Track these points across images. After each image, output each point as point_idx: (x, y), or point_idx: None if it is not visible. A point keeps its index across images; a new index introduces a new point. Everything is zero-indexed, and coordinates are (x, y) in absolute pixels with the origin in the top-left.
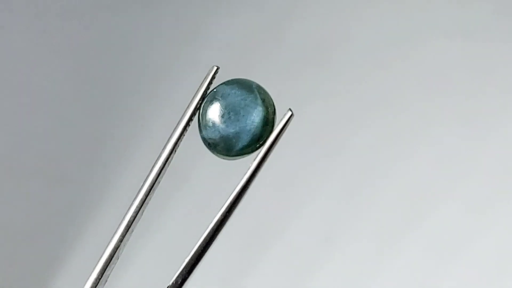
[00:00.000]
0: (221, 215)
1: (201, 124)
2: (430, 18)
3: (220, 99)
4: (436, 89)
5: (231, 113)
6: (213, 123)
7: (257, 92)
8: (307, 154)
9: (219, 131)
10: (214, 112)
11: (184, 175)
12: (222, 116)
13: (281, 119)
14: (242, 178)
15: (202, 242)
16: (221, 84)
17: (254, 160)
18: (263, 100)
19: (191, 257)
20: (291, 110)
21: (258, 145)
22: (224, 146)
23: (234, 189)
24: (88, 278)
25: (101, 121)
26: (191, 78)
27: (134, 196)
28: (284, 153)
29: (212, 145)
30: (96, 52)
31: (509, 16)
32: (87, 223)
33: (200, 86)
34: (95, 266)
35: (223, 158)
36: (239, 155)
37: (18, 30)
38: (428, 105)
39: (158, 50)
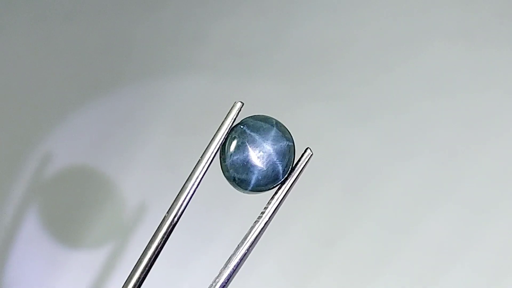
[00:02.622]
0: (243, 254)
1: (225, 159)
2: (432, 21)
3: (246, 135)
4: (437, 91)
5: (258, 150)
6: (239, 159)
7: (279, 130)
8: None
9: (243, 166)
10: (239, 148)
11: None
12: (248, 153)
13: (301, 158)
14: (263, 218)
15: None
16: (246, 119)
17: (273, 198)
18: (287, 138)
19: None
20: (310, 150)
21: (279, 182)
22: (247, 181)
23: (256, 227)
24: None
25: (102, 122)
26: (191, 79)
27: (153, 235)
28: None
29: (235, 179)
30: (97, 55)
31: (511, 19)
32: (87, 223)
33: (224, 121)
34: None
35: (244, 192)
36: (260, 191)
37: (19, 33)
38: (429, 107)
39: (159, 52)
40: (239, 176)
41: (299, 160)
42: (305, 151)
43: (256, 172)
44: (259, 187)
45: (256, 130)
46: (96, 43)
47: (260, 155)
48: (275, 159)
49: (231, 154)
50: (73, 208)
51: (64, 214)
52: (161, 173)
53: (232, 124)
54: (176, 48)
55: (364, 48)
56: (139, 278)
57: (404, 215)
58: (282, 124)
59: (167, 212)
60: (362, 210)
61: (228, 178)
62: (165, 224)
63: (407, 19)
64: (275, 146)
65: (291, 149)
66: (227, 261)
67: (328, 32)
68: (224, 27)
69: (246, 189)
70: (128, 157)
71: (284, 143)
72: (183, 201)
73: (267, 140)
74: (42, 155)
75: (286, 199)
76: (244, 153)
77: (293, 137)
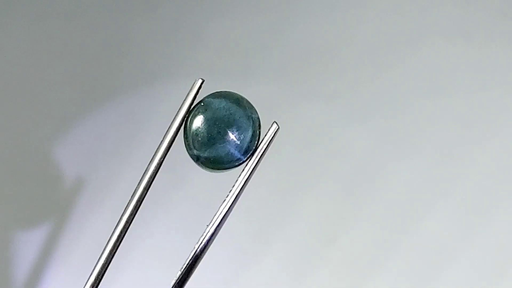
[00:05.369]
0: (214, 229)
1: (188, 138)
2: (431, 20)
3: (209, 113)
4: (437, 90)
5: (221, 128)
6: (202, 138)
7: (244, 106)
8: (308, 155)
9: (208, 146)
10: (202, 127)
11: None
12: (211, 131)
13: (267, 133)
14: (231, 195)
15: (195, 252)
16: (208, 97)
17: (241, 174)
18: (251, 114)
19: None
20: (277, 124)
21: (245, 159)
22: (213, 161)
23: (222, 207)
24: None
25: (100, 122)
26: (191, 80)
27: (122, 212)
28: (285, 154)
29: (200, 159)
30: (96, 54)
31: (510, 18)
32: (87, 224)
33: (185, 99)
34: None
35: (211, 171)
36: (227, 169)
37: (19, 32)
38: (428, 107)
39: (157, 52)
40: (201, 154)
41: (265, 135)
42: (271, 125)
43: (219, 150)
44: (223, 165)
45: (220, 107)
46: (94, 43)
47: (225, 133)
48: (240, 136)
49: (195, 134)
50: (71, 208)
51: (63, 215)
52: (160, 173)
53: (193, 102)
54: (175, 48)
55: (363, 47)
56: (104, 263)
57: (403, 214)
58: (246, 99)
59: (131, 197)
60: (362, 209)
61: (192, 157)
62: (128, 209)
63: (406, 19)
64: (240, 122)
65: (254, 124)
66: (196, 243)
67: (327, 31)
68: (222, 27)
69: (213, 169)
70: (127, 157)
71: (249, 119)
72: (147, 184)
73: (229, 117)
74: (38, 155)
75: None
76: (208, 132)
77: (257, 111)
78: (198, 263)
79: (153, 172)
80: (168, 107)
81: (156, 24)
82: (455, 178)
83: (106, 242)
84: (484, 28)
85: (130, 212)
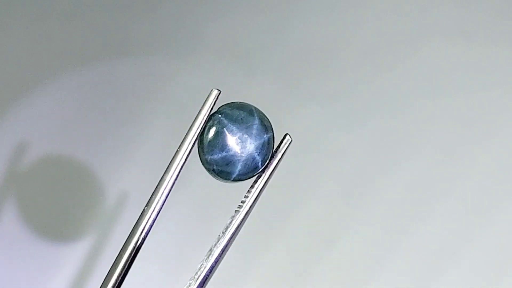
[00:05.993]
0: (227, 239)
1: (203, 149)
2: (430, 21)
3: (225, 124)
4: (436, 91)
5: (236, 139)
6: (217, 149)
7: (259, 117)
8: (307, 155)
9: (223, 157)
10: (218, 137)
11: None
12: (227, 142)
13: (280, 145)
14: (244, 206)
15: (209, 266)
16: (223, 107)
17: (254, 185)
18: (266, 126)
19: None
20: (289, 136)
21: (260, 170)
22: (228, 172)
23: (237, 216)
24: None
25: (101, 123)
26: (191, 80)
27: (132, 229)
28: (285, 154)
29: (214, 170)
30: (95, 54)
31: (510, 18)
32: (87, 224)
33: (201, 110)
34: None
35: (224, 182)
36: (241, 180)
37: (18, 32)
38: (428, 107)
39: (157, 52)
40: (218, 167)
41: (278, 147)
42: (284, 137)
43: (235, 162)
44: (239, 177)
45: (234, 119)
46: (94, 43)
47: (239, 144)
48: (254, 149)
49: (210, 144)
50: (72, 209)
51: (63, 216)
52: (160, 173)
53: (210, 112)
54: (174, 48)
55: (362, 48)
56: (120, 273)
57: (403, 215)
58: (259, 111)
59: (146, 206)
60: (362, 210)
61: (207, 169)
62: (144, 217)
63: (406, 19)
64: (254, 135)
65: (270, 138)
66: (208, 252)
67: (326, 32)
68: (222, 27)
69: (226, 179)
70: (127, 157)
71: (263, 132)
72: (162, 193)
73: (246, 129)
74: (39, 156)
75: (267, 190)
76: (222, 143)
77: (271, 123)
78: (210, 278)
79: (168, 183)
80: (169, 108)
81: (156, 23)
82: (455, 179)
83: (119, 254)
84: (484, 28)
85: (145, 223)
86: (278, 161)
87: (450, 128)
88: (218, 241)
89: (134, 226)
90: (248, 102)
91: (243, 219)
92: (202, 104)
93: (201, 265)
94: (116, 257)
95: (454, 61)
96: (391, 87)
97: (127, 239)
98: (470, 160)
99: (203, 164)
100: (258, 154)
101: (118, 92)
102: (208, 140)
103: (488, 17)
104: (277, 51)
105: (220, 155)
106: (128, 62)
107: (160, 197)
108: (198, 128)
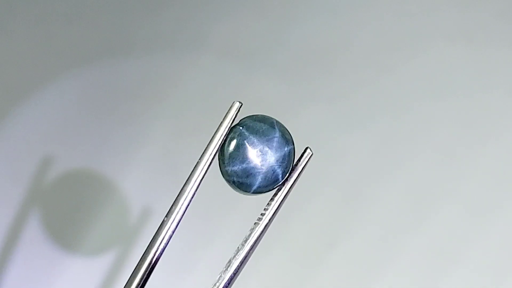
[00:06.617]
0: (243, 256)
1: (224, 162)
2: (432, 22)
3: (246, 136)
4: (438, 92)
5: (258, 152)
6: (239, 161)
7: (280, 130)
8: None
9: (243, 168)
10: (239, 150)
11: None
12: (248, 154)
13: (301, 158)
14: (263, 219)
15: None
16: (245, 120)
17: (274, 198)
18: (287, 139)
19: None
20: (310, 149)
21: (280, 183)
22: (248, 184)
23: (256, 229)
24: None
25: (103, 124)
26: (192, 80)
27: (151, 240)
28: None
29: (234, 182)
30: (97, 55)
31: (511, 19)
32: (87, 225)
33: (222, 122)
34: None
35: (244, 194)
36: (261, 193)
37: (20, 34)
38: (430, 108)
39: (159, 53)
40: (239, 179)
41: (298, 160)
42: (304, 150)
43: (256, 174)
44: (259, 189)
45: (256, 131)
46: (96, 44)
47: (259, 157)
48: (274, 161)
49: (230, 156)
50: (73, 211)
51: (64, 217)
52: (161, 174)
53: (231, 124)
54: (177, 49)
55: (364, 49)
56: (138, 284)
57: (404, 216)
58: (281, 124)
59: (166, 216)
60: (363, 211)
61: (228, 181)
62: (163, 228)
63: (408, 21)
64: (275, 147)
65: (291, 151)
66: (227, 264)
67: (328, 33)
68: (224, 28)
69: (246, 192)
70: (128, 158)
71: (284, 145)
72: (182, 204)
73: (267, 141)
74: (41, 157)
75: (286, 200)
76: (243, 155)
77: (292, 136)
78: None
79: (188, 194)
80: (172, 108)
81: (158, 25)
82: (457, 180)
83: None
84: (485, 30)
85: (164, 234)
86: (299, 174)
87: (452, 129)
88: (237, 253)
89: (153, 237)
90: (269, 115)
91: (262, 232)
92: (223, 116)
93: (219, 277)
94: (134, 269)
95: (456, 62)
96: (392, 89)
97: (145, 250)
98: (472, 161)
99: (223, 175)
100: (278, 167)
101: (120, 92)
102: (229, 152)
103: (490, 18)
104: (279, 52)
105: (240, 167)
106: (131, 63)
107: (180, 208)
108: (219, 140)
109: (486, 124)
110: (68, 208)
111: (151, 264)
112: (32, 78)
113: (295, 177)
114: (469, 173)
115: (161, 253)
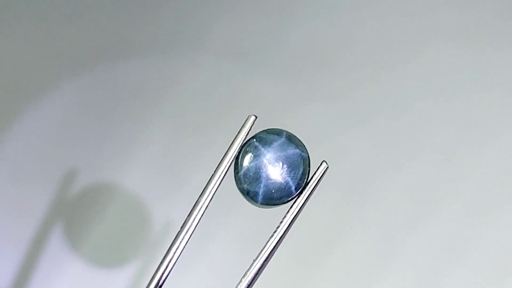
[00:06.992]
0: (260, 264)
1: (239, 173)
2: (432, 22)
3: (261, 149)
4: (438, 92)
5: (273, 165)
6: (254, 173)
7: (296, 144)
8: (310, 156)
9: (259, 182)
10: (254, 162)
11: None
12: (263, 167)
13: (316, 171)
14: (278, 231)
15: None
16: (260, 133)
17: (289, 211)
18: (302, 152)
19: None
20: (326, 163)
21: (295, 196)
22: (264, 196)
23: (269, 244)
24: None
25: (103, 125)
26: (192, 80)
27: (166, 252)
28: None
29: (250, 194)
30: (98, 56)
31: (511, 19)
32: (87, 225)
33: (237, 135)
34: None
35: (259, 207)
36: (276, 205)
37: (20, 35)
38: (430, 108)
39: (159, 52)
40: (252, 190)
41: (314, 173)
42: (320, 164)
43: (269, 186)
44: (273, 201)
45: (270, 144)
46: (96, 44)
47: (274, 170)
48: (288, 173)
49: (245, 168)
50: (73, 211)
51: (64, 217)
52: (162, 174)
53: (245, 138)
54: (176, 49)
55: (364, 48)
56: None
57: (405, 216)
58: (295, 136)
59: (181, 228)
60: (363, 212)
61: (241, 191)
62: (178, 239)
63: (408, 20)
64: (289, 161)
65: (305, 161)
66: (242, 277)
67: (329, 32)
68: (224, 28)
69: (259, 203)
70: (128, 158)
71: (298, 158)
72: (196, 216)
73: (281, 155)
74: (41, 157)
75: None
76: (257, 167)
77: (307, 149)
78: None
79: (202, 206)
80: (171, 109)
81: (158, 24)
82: (457, 180)
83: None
84: (485, 29)
85: (177, 245)
86: (314, 187)
87: (452, 129)
88: (251, 265)
89: (169, 248)
90: (283, 129)
91: (276, 245)
92: (238, 130)
93: None
94: (150, 280)
95: (456, 62)
96: (392, 88)
97: (161, 261)
98: (472, 161)
99: (238, 188)
100: (292, 180)
101: (120, 92)
102: (242, 164)
103: (490, 18)
104: (279, 51)
105: (255, 180)
106: (130, 63)
107: (194, 220)
108: (233, 153)
109: (486, 124)
110: (68, 208)
111: (164, 276)
112: (32, 78)
113: (310, 190)
114: (469, 173)
115: (173, 266)
